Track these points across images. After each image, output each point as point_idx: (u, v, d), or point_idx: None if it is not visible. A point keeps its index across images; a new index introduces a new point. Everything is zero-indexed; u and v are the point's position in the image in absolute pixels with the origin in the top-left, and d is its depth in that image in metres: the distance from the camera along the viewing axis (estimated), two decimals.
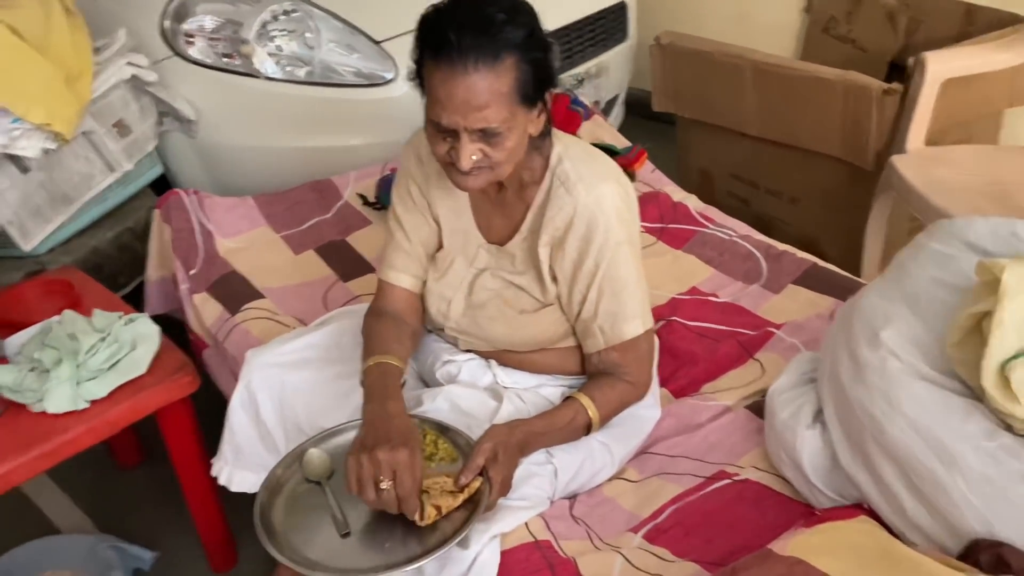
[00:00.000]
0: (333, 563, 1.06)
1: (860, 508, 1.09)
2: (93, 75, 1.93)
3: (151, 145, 2.13)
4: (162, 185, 2.24)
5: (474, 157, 1.12)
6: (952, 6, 2.56)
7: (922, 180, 2.01)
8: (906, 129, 2.15)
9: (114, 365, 1.47)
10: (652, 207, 1.98)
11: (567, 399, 1.26)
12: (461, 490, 1.10)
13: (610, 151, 2.11)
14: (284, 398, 1.37)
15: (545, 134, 1.24)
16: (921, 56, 2.09)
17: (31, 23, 1.78)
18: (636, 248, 1.28)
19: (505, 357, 1.34)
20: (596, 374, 1.29)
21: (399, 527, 1.09)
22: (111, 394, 1.45)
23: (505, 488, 1.13)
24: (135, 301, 1.97)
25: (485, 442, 1.13)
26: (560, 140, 1.27)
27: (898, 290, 1.17)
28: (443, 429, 1.22)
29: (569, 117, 2.10)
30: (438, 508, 1.08)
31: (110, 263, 2.02)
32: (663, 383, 1.53)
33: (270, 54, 2.16)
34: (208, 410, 1.66)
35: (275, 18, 2.16)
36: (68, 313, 1.55)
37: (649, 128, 3.16)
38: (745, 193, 2.75)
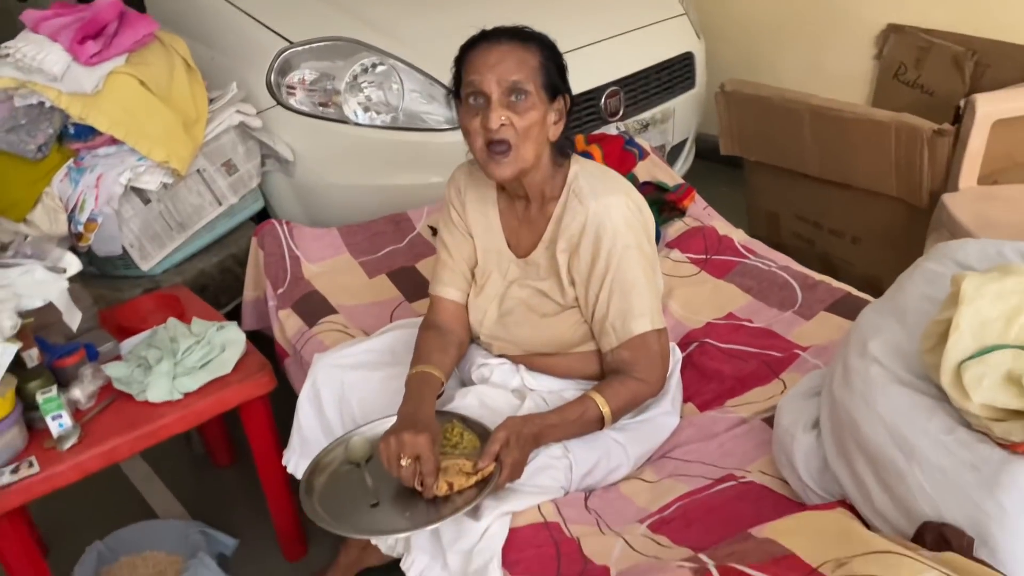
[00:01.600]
0: (359, 524, 1.24)
1: (841, 503, 1.17)
2: (207, 121, 2.24)
3: (254, 182, 2.42)
4: (263, 218, 2.53)
5: (502, 120, 1.30)
6: (1017, 51, 2.59)
7: (971, 217, 2.05)
8: (958, 169, 2.19)
9: (205, 364, 1.71)
10: (698, 240, 2.10)
11: (581, 396, 1.39)
12: (476, 473, 1.25)
13: (662, 188, 2.26)
14: (343, 395, 1.56)
15: (566, 155, 1.43)
16: (972, 97, 2.15)
17: (157, 77, 2.10)
18: (645, 254, 1.41)
19: (532, 361, 1.50)
20: (610, 373, 1.43)
21: (420, 502, 1.26)
22: (201, 388, 1.68)
23: (516, 472, 1.28)
24: (234, 319, 2.24)
25: (500, 431, 1.28)
26: (577, 162, 1.45)
27: (891, 305, 1.26)
28: (468, 423, 1.39)
29: (623, 157, 2.25)
30: (450, 484, 1.24)
31: (214, 284, 2.30)
32: (689, 398, 1.64)
33: (359, 103, 2.43)
34: (288, 414, 1.88)
35: (364, 71, 2.43)
36: (172, 320, 1.80)
37: (722, 172, 3.27)
38: (810, 234, 2.81)
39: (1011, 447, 0.96)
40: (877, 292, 2.53)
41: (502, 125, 1.31)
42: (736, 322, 1.82)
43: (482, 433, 1.36)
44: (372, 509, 1.27)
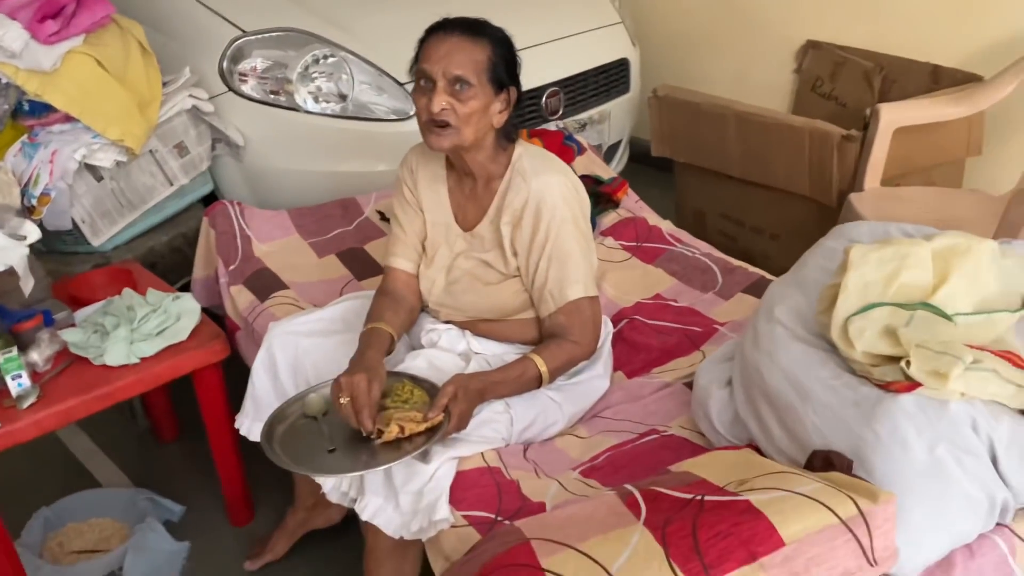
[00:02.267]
0: (318, 466, 1.34)
1: (748, 446, 1.33)
2: (160, 103, 2.30)
3: (205, 165, 2.49)
4: (212, 200, 2.59)
5: (443, 105, 1.43)
6: (920, 67, 2.84)
7: (874, 215, 2.26)
8: (863, 171, 2.41)
9: (162, 332, 1.79)
10: (630, 229, 2.26)
11: (521, 356, 1.53)
12: (426, 421, 1.37)
13: (598, 181, 2.42)
14: (298, 359, 1.66)
15: (511, 138, 1.56)
16: (876, 106, 2.37)
17: (114, 58, 2.16)
18: (581, 228, 1.55)
19: (477, 327, 1.63)
20: (547, 337, 1.56)
21: (375, 448, 1.37)
22: (158, 354, 1.76)
23: (463, 422, 1.40)
24: None
25: (449, 385, 1.40)
26: (521, 145, 1.59)
27: (794, 277, 1.44)
28: (418, 381, 1.50)
29: (563, 151, 2.41)
30: (401, 428, 1.35)
31: (163, 262, 2.35)
32: (619, 367, 1.79)
33: (310, 92, 2.52)
34: (238, 386, 1.96)
35: (316, 61, 2.52)
36: (127, 291, 1.87)
37: (653, 175, 3.45)
38: (733, 231, 3.02)
39: (885, 386, 1.13)
40: None
41: (443, 109, 1.44)
42: (663, 302, 1.98)
43: (430, 390, 1.48)
44: (329, 455, 1.37)
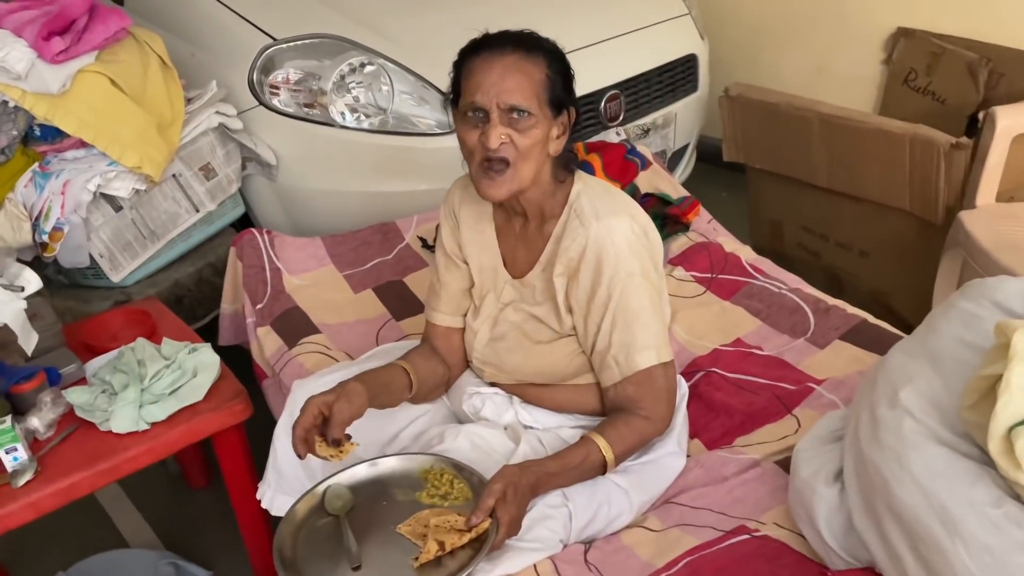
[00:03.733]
0: None
1: (870, 571, 1.06)
2: (184, 123, 2.11)
3: (234, 187, 2.29)
4: (244, 224, 2.40)
5: (502, 139, 1.22)
6: None
7: (989, 237, 1.95)
8: (976, 184, 2.08)
9: (175, 391, 1.59)
10: (703, 257, 1.99)
11: (582, 438, 1.28)
12: (470, 530, 1.14)
13: (665, 201, 2.14)
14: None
15: (569, 171, 1.33)
16: (991, 110, 2.04)
17: (130, 76, 1.97)
18: (651, 282, 1.31)
19: (525, 392, 1.39)
20: (612, 411, 1.32)
21: (408, 565, 1.14)
22: (170, 418, 1.56)
23: (513, 528, 1.16)
24: (211, 332, 2.12)
25: (496, 483, 1.16)
26: (581, 179, 1.34)
27: (923, 348, 1.15)
28: (460, 468, 1.27)
29: (625, 167, 2.14)
30: (441, 544, 1.12)
31: (190, 296, 2.17)
32: (696, 434, 1.53)
33: (346, 104, 2.30)
34: (266, 438, 1.76)
35: (352, 71, 2.30)
36: (141, 341, 1.68)
37: (723, 176, 3.17)
38: (815, 245, 2.71)
39: None
40: (886, 309, 2.43)
41: (502, 143, 1.23)
42: (745, 349, 1.71)
43: (472, 481, 1.25)
44: (354, 573, 1.15)
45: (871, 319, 1.73)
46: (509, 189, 1.26)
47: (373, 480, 1.30)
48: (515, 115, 1.22)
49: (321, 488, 1.29)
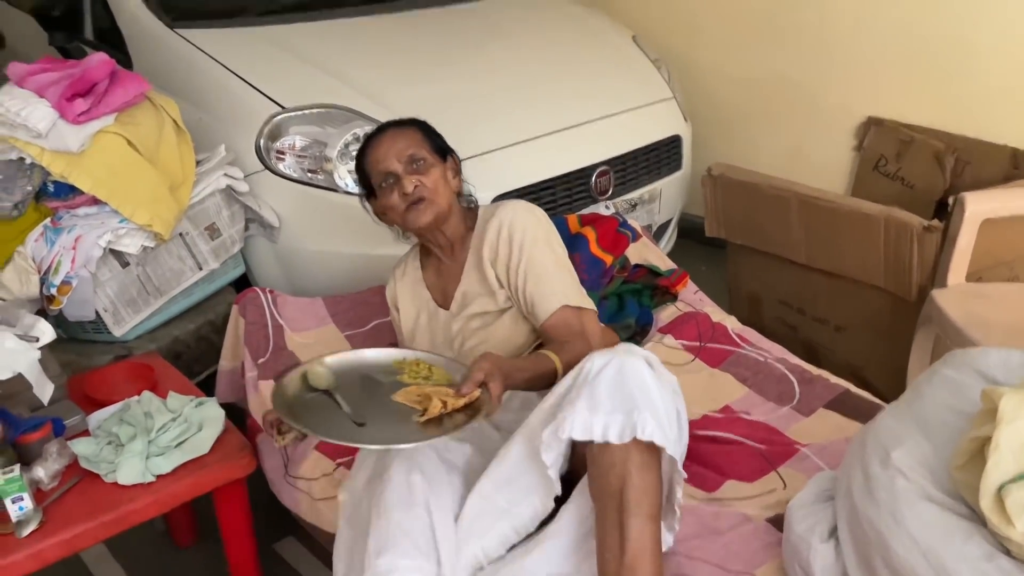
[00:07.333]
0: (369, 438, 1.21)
1: None
2: (193, 184, 2.17)
3: (237, 247, 2.35)
4: (242, 283, 2.45)
5: (414, 183, 1.58)
6: (998, 150, 2.66)
7: (960, 314, 2.06)
8: (947, 265, 2.21)
9: (181, 444, 1.61)
10: (691, 326, 2.07)
11: (534, 352, 1.52)
12: (464, 397, 1.25)
13: (654, 272, 2.24)
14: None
15: (471, 205, 1.73)
16: (961, 196, 2.17)
17: (145, 137, 2.04)
18: (553, 248, 1.64)
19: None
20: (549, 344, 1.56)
21: (409, 423, 1.24)
22: (176, 470, 1.58)
23: (498, 403, 1.31)
24: (207, 389, 2.14)
25: (484, 360, 1.33)
26: (484, 207, 1.74)
27: (911, 413, 1.23)
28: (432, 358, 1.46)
29: (617, 239, 2.23)
30: (444, 403, 1.23)
31: (189, 352, 2.20)
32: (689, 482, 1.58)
33: (349, 171, 2.38)
34: (256, 489, 1.78)
35: (356, 139, 2.39)
36: (147, 394, 1.71)
37: (702, 251, 3.28)
38: (793, 319, 2.81)
39: None
40: (861, 381, 2.51)
41: (416, 187, 1.58)
42: (733, 415, 1.78)
43: (450, 368, 1.41)
44: (361, 428, 1.21)
45: (853, 389, 1.82)
46: (433, 212, 1.60)
47: (351, 366, 1.42)
48: (415, 165, 1.60)
49: (299, 370, 1.38)
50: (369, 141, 1.66)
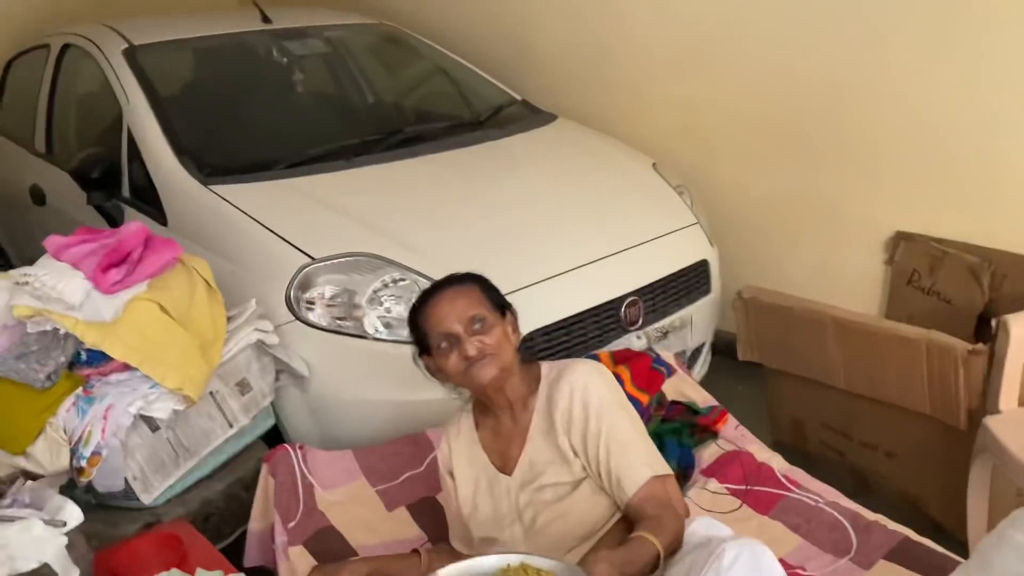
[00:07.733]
0: None
1: None
2: (224, 341, 2.18)
3: (267, 400, 2.33)
4: (272, 433, 2.42)
5: (476, 345, 1.53)
6: None
7: (1019, 444, 1.96)
8: (997, 390, 2.12)
9: None
10: (735, 467, 1.99)
11: (631, 537, 1.42)
12: None
13: (693, 410, 2.18)
14: None
15: (531, 361, 1.68)
16: (1004, 319, 2.11)
17: (178, 300, 2.06)
18: (627, 410, 1.60)
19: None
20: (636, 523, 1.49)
21: None
22: None
23: None
24: (237, 550, 2.08)
25: (600, 563, 1.30)
26: (543, 363, 1.68)
27: None
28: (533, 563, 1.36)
29: (652, 376, 2.19)
30: None
31: (218, 514, 2.14)
32: None
33: (379, 317, 2.39)
34: None
35: (385, 285, 2.41)
36: (175, 572, 1.65)
37: (737, 368, 3.20)
38: (839, 444, 2.71)
39: None
40: (920, 513, 2.38)
41: (478, 349, 1.54)
42: (790, 570, 1.68)
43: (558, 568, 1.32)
44: None
45: (913, 536, 1.72)
46: (498, 366, 1.55)
47: None
48: (476, 325, 1.55)
49: None
50: (427, 299, 1.61)
